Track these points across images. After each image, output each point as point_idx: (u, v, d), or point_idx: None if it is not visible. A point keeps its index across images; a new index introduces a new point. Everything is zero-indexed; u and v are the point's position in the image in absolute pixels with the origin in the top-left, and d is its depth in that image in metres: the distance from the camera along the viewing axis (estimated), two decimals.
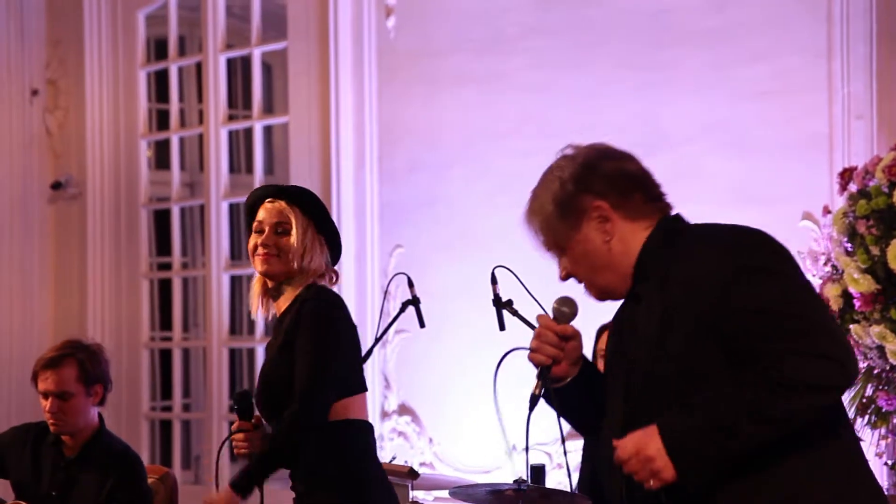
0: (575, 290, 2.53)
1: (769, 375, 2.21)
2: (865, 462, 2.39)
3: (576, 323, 2.51)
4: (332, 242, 3.47)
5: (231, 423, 3.52)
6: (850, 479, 2.32)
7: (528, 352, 2.48)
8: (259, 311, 3.51)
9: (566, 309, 2.49)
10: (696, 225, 2.45)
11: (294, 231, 3.38)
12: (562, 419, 2.52)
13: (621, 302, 2.52)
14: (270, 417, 3.39)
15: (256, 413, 3.42)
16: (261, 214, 3.43)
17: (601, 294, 2.48)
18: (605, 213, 2.42)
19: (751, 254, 2.31)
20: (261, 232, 3.42)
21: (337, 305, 3.38)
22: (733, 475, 2.28)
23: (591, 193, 2.42)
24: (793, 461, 2.27)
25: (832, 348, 2.23)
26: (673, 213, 2.48)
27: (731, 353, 2.27)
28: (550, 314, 2.50)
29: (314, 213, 3.44)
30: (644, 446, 2.25)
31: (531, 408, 2.45)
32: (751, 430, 2.20)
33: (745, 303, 2.25)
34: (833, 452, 2.32)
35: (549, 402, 2.49)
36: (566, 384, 2.49)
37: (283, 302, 3.44)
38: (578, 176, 2.44)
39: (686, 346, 2.29)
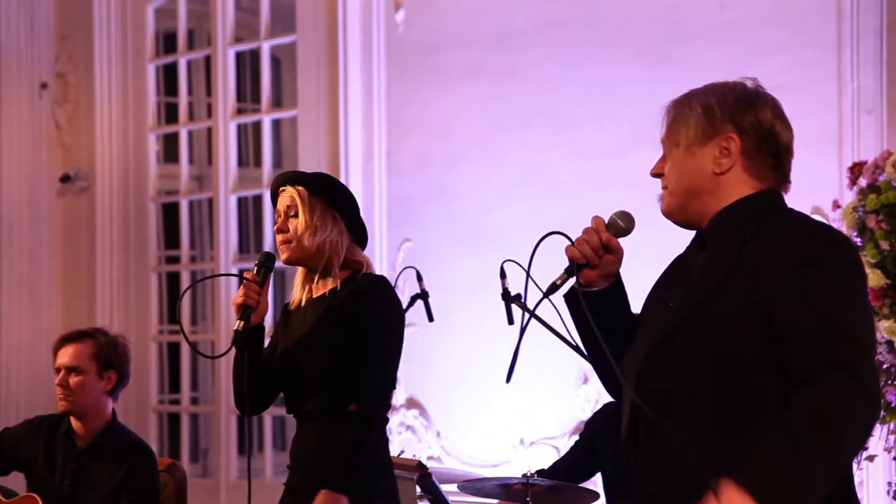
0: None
1: (822, 409, 2.17)
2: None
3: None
4: (352, 223, 3.47)
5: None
6: None
7: (567, 244, 2.47)
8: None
9: (621, 223, 2.48)
10: (792, 210, 2.45)
11: (300, 210, 3.39)
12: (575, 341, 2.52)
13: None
14: (303, 389, 3.37)
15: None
16: (277, 208, 3.45)
17: (672, 209, 2.45)
18: (732, 149, 2.41)
19: (826, 251, 2.29)
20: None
21: (399, 301, 3.44)
22: None
23: (734, 125, 2.42)
24: None
25: (871, 378, 2.21)
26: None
27: (770, 339, 2.25)
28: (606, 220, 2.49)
29: (323, 191, 3.44)
30: None
31: (545, 295, 2.46)
32: (825, 481, 2.17)
33: (802, 293, 2.23)
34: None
35: (568, 301, 2.49)
36: (591, 292, 2.48)
37: (322, 285, 3.42)
38: (738, 103, 2.43)
39: (732, 315, 2.27)
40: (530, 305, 2.53)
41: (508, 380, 2.54)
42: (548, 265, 2.52)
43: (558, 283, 2.47)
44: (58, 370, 4.16)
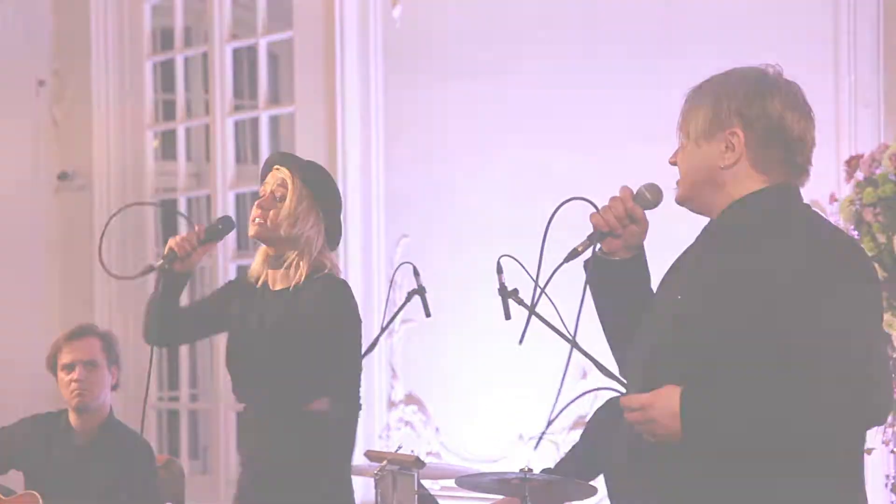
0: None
1: (805, 394, 2.20)
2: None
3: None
4: (331, 224, 3.46)
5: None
6: None
7: (592, 211, 2.50)
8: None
9: (648, 195, 2.51)
10: (806, 208, 2.43)
11: (289, 197, 3.37)
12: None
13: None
14: (255, 380, 3.37)
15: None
16: (266, 180, 3.45)
17: (682, 199, 2.46)
18: (736, 144, 2.38)
19: (837, 259, 2.28)
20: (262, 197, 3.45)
21: (356, 307, 3.45)
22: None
23: (740, 118, 2.39)
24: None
25: (871, 385, 2.24)
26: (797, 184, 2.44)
27: (770, 343, 2.25)
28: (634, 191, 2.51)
29: (315, 186, 3.43)
30: (653, 404, 2.26)
31: (566, 259, 2.47)
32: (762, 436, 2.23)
33: (810, 302, 2.23)
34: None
35: (586, 269, 2.50)
36: (612, 261, 2.51)
37: (283, 277, 3.40)
38: (746, 96, 2.41)
39: (736, 314, 2.27)
40: (543, 279, 2.51)
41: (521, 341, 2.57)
42: (546, 258, 2.51)
43: (580, 249, 2.49)
44: (70, 366, 4.13)
